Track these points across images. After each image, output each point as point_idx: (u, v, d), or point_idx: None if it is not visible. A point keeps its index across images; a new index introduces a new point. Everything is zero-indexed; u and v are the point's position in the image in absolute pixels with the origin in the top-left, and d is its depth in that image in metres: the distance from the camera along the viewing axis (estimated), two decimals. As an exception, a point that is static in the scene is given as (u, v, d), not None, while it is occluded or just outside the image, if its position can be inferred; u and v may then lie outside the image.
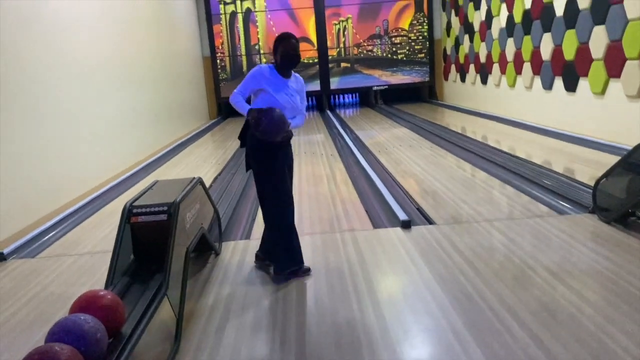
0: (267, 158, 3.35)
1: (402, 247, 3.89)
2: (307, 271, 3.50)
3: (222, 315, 3.04)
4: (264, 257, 3.66)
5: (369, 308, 2.98)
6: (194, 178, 3.55)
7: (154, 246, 2.85)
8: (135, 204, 2.99)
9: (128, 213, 2.91)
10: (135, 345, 2.21)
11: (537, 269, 3.34)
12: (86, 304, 2.07)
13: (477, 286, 3.15)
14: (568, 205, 4.57)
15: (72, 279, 3.78)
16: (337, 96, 15.91)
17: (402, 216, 4.45)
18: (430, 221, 4.45)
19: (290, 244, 3.45)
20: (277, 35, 3.38)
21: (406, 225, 4.29)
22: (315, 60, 14.78)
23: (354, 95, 16.12)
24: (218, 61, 14.50)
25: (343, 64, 15.00)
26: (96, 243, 4.53)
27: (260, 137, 3.22)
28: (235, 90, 3.38)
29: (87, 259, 4.14)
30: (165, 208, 2.91)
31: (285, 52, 3.28)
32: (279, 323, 2.89)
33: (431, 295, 3.10)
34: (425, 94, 15.14)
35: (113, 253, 2.81)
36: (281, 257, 3.44)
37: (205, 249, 3.94)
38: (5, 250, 4.27)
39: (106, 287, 2.65)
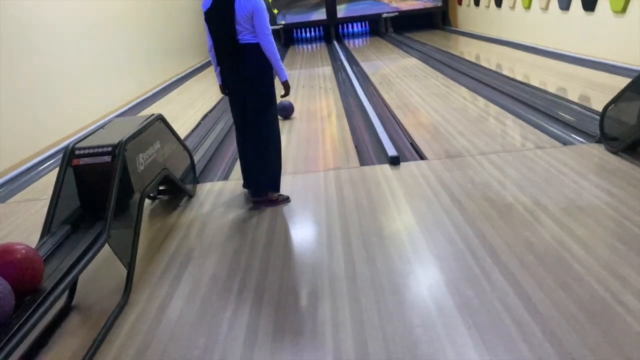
0: (272, 84, 3.34)
1: (387, 186, 3.59)
2: (287, 200, 3.47)
3: (182, 262, 2.83)
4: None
5: (340, 254, 2.73)
6: (152, 115, 3.25)
7: (101, 191, 2.59)
8: (79, 145, 2.72)
9: (70, 155, 2.64)
10: (57, 299, 2.00)
11: (529, 206, 3.02)
12: (-8, 259, 1.85)
13: (460, 227, 2.85)
14: (576, 136, 4.16)
15: (39, 224, 3.58)
16: (345, 25, 15.09)
17: (391, 152, 4.12)
18: (421, 156, 4.12)
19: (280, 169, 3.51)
20: None
21: (395, 161, 3.97)
22: (321, -13, 13.98)
23: (363, 24, 15.22)
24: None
25: (350, -10, 14.17)
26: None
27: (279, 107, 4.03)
28: (270, 32, 3.19)
29: (58, 203, 3.95)
30: (110, 149, 2.63)
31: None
32: (240, 271, 2.67)
33: (409, 238, 2.83)
34: (438, 20, 14.28)
35: (51, 199, 2.57)
36: (271, 179, 3.40)
37: (176, 192, 3.71)
38: (-25, 196, 4.11)
39: (42, 236, 2.43)
